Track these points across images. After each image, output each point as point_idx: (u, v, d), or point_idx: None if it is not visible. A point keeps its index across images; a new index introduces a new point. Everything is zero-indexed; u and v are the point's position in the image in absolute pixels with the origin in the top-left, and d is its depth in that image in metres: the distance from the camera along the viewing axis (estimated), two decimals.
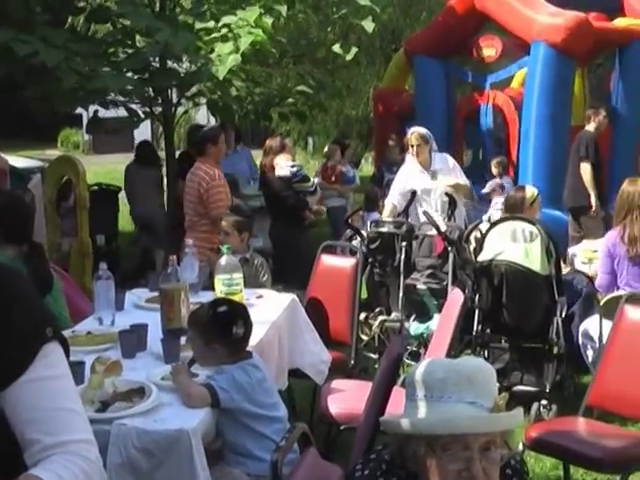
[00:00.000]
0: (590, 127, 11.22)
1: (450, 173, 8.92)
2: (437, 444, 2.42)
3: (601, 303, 6.67)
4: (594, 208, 10.62)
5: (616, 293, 6.53)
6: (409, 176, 8.90)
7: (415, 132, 8.97)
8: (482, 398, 2.45)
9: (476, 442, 2.41)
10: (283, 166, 9.57)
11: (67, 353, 2.20)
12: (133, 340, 4.66)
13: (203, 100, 13.36)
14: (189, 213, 8.12)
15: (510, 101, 13.64)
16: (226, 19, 10.88)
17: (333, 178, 12.17)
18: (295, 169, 9.72)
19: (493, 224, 6.96)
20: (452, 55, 14.63)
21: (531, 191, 7.62)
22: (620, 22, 13.61)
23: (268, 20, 10.68)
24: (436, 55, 14.12)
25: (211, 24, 11.08)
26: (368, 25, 11.78)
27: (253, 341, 4.57)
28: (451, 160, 9.16)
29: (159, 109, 12.92)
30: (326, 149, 13.04)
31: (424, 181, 8.83)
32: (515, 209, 7.38)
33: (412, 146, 8.90)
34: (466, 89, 15.80)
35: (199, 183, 7.98)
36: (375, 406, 4.07)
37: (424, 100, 14.13)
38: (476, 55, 13.84)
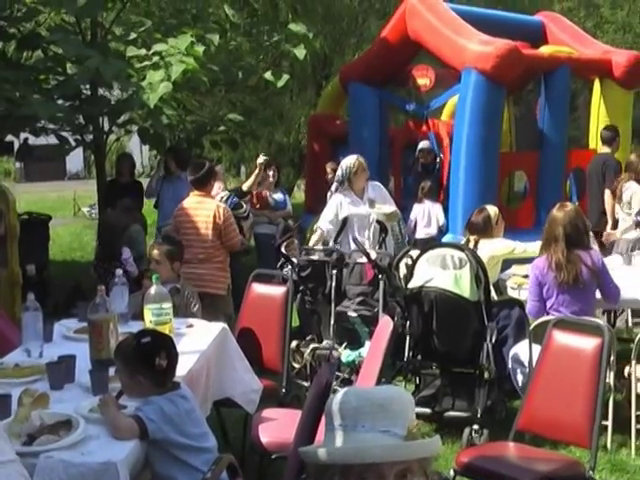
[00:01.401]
0: (608, 149, 11.38)
1: (385, 202, 9.04)
2: (351, 473, 2.41)
3: (530, 328, 6.73)
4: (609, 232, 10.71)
5: (545, 318, 6.59)
6: (343, 204, 8.96)
7: (360, 159, 9.10)
8: (396, 426, 2.45)
9: (391, 470, 2.40)
10: (216, 194, 9.59)
11: None
12: (61, 372, 4.61)
13: (135, 128, 13.32)
14: (203, 246, 8.24)
15: (446, 129, 13.79)
16: (157, 47, 10.87)
17: (258, 205, 12.09)
18: (232, 199, 9.80)
19: (423, 251, 7.01)
20: (387, 83, 14.74)
21: (493, 209, 7.73)
22: (545, 49, 13.85)
23: (200, 48, 10.69)
24: (371, 83, 14.23)
25: (142, 52, 11.06)
26: (300, 52, 11.84)
27: (182, 371, 4.56)
28: (383, 189, 9.28)
29: (90, 137, 12.86)
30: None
31: (358, 209, 8.90)
32: (484, 230, 7.49)
33: (352, 173, 9.01)
34: (400, 117, 15.93)
35: (215, 216, 8.21)
36: (304, 435, 4.07)
37: (358, 127, 14.19)
38: (411, 85, 13.97)
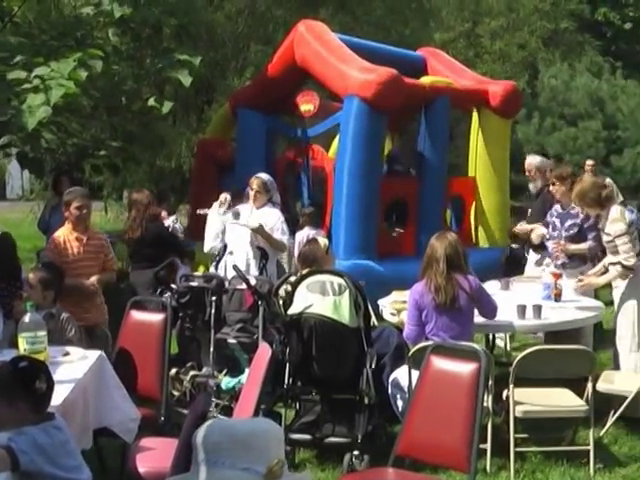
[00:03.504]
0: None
1: (265, 227, 9.15)
2: None
3: (409, 354, 6.79)
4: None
5: (424, 344, 6.64)
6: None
7: (258, 178, 9.46)
8: (257, 464, 2.41)
9: None
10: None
11: None
12: None
13: (15, 151, 13.07)
14: None
15: (327, 154, 13.87)
16: (39, 70, 10.71)
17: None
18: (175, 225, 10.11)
19: (302, 277, 7.02)
20: (276, 109, 14.78)
21: (323, 241, 7.85)
22: (425, 79, 14.06)
23: (83, 73, 10.56)
24: (259, 109, 14.25)
25: (23, 75, 10.88)
26: (185, 79, 11.78)
27: (57, 401, 4.48)
28: (277, 218, 9.35)
29: None
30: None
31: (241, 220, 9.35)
32: (314, 261, 7.50)
33: (252, 190, 9.41)
34: (290, 143, 16.01)
35: None
36: (180, 464, 4.02)
37: (244, 152, 14.20)
38: (295, 110, 14.03)
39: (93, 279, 7.98)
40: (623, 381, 7.53)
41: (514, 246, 12.31)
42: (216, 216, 9.87)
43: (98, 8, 12.04)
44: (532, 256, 10.27)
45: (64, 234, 8.12)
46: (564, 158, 19.13)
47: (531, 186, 10.74)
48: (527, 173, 10.68)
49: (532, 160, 10.62)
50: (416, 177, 13.82)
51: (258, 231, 9.19)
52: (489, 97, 14.12)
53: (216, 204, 10.00)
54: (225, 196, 10.02)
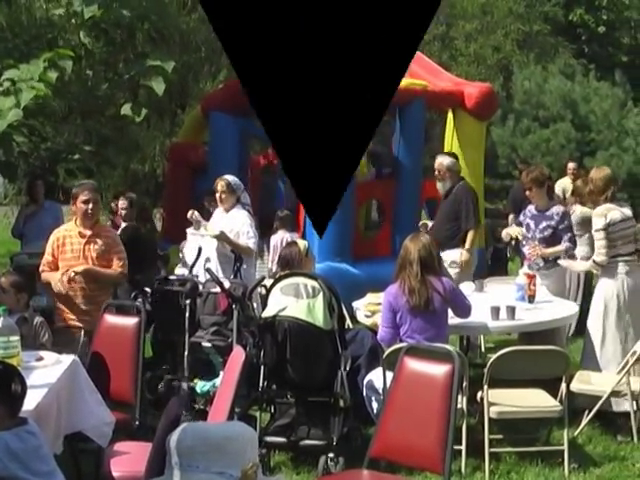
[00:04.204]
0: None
1: (232, 232, 9.13)
2: None
3: (384, 356, 6.79)
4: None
5: (398, 345, 6.65)
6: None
7: (222, 179, 9.42)
8: (231, 468, 2.41)
9: None
10: None
11: None
12: None
13: None
14: None
15: None
16: (9, 73, 10.66)
17: None
18: None
19: (276, 280, 7.01)
20: (249, 112, 14.73)
21: (303, 243, 7.85)
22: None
23: (53, 74, 10.52)
24: (232, 112, 14.20)
25: None
26: (159, 86, 11.75)
27: (30, 405, 4.46)
28: (243, 221, 9.30)
29: None
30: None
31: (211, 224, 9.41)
32: (292, 264, 7.50)
33: (217, 191, 9.40)
34: (266, 145, 15.99)
35: None
36: (154, 468, 4.00)
37: (217, 155, 14.13)
38: None
39: (72, 271, 7.31)
40: (597, 381, 7.57)
41: (498, 246, 12.39)
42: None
43: (69, 9, 12.00)
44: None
45: (66, 229, 7.75)
46: (537, 160, 19.14)
47: (439, 185, 10.52)
48: (436, 173, 10.48)
49: (442, 160, 10.43)
50: (392, 178, 13.84)
51: (220, 238, 9.15)
52: (465, 99, 14.12)
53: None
54: (191, 213, 10.01)
